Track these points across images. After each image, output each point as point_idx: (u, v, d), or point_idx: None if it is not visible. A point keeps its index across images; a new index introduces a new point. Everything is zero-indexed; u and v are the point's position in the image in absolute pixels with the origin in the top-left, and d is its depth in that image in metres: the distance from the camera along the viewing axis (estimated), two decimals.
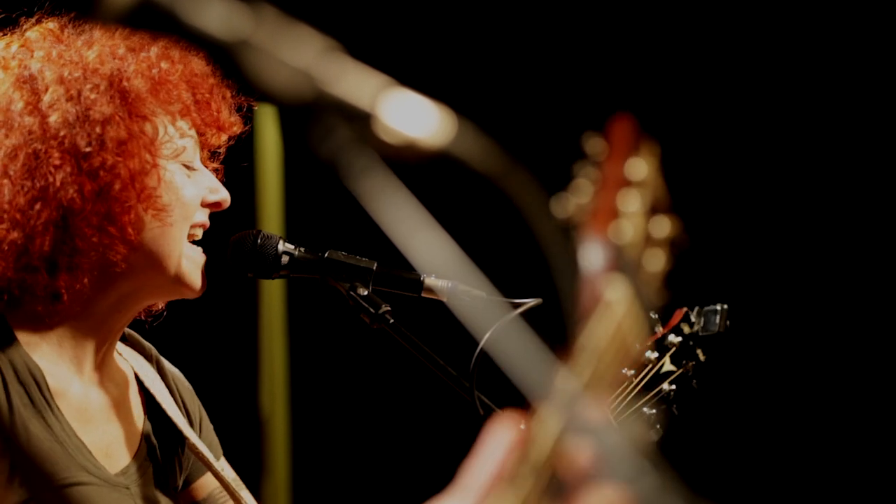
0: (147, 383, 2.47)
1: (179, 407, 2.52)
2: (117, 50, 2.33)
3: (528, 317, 2.33)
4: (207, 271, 2.41)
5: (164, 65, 2.34)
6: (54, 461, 2.23)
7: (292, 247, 2.49)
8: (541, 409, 1.33)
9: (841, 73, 4.55)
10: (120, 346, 2.49)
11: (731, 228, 4.61)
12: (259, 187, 4.47)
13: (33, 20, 2.39)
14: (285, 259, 2.48)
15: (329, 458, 4.75)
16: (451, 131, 1.35)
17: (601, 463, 1.31)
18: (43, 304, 2.30)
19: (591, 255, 1.39)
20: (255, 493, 2.55)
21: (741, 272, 4.60)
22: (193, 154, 2.40)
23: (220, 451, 2.59)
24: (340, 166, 1.32)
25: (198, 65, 2.39)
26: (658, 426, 2.61)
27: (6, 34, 2.39)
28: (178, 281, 2.36)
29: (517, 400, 1.37)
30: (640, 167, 1.45)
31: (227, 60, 1.30)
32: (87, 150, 2.26)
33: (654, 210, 1.45)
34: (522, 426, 1.35)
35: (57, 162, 2.25)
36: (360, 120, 1.33)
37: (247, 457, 4.41)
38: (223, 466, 2.54)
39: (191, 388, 2.60)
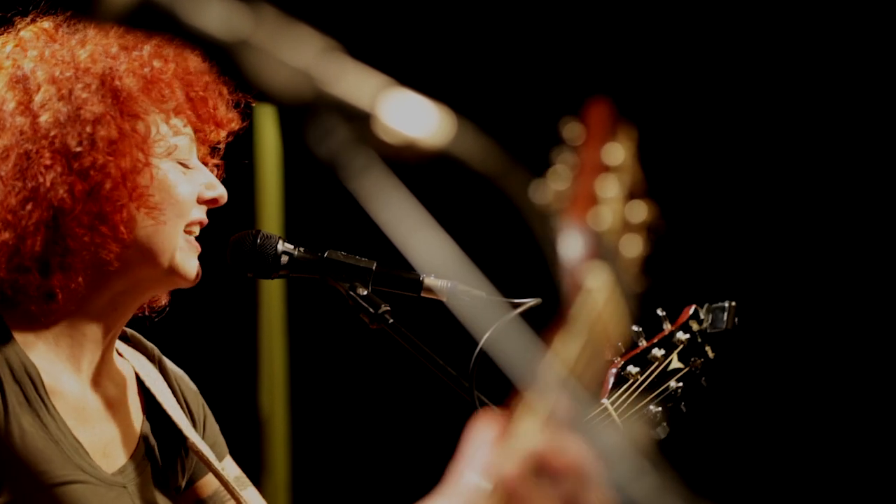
0: (148, 383, 2.47)
1: (182, 407, 2.52)
2: (110, 49, 2.32)
3: (528, 317, 2.33)
4: (205, 267, 2.41)
5: (156, 63, 2.33)
6: (49, 459, 2.23)
7: (292, 247, 2.49)
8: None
9: (822, 55, 4.54)
10: (122, 346, 2.49)
11: (715, 216, 4.61)
12: (259, 187, 4.47)
13: (28, 19, 2.39)
14: (285, 259, 2.48)
15: (329, 458, 4.75)
16: (450, 131, 1.35)
17: (600, 462, 1.31)
18: (37, 304, 2.30)
19: (571, 243, 1.38)
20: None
21: (744, 267, 4.60)
22: (189, 151, 2.40)
23: (225, 450, 2.59)
24: (340, 166, 1.32)
25: (193, 62, 2.39)
26: (664, 424, 2.61)
27: (1, 34, 2.39)
28: (172, 272, 2.35)
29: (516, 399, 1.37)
30: (618, 152, 1.44)
31: (226, 60, 1.30)
32: (78, 149, 2.25)
33: (631, 195, 1.45)
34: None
35: (48, 162, 2.25)
36: (359, 120, 1.33)
37: (247, 457, 4.41)
38: (225, 466, 2.54)
39: (195, 388, 2.60)
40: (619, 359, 2.62)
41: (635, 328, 2.66)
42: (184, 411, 2.52)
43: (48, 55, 2.32)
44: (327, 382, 4.72)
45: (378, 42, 3.68)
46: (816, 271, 4.63)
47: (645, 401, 2.60)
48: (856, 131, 4.58)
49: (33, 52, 2.32)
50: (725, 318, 2.67)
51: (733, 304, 2.68)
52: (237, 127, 2.50)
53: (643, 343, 2.65)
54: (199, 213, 2.40)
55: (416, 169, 1.33)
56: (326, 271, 2.48)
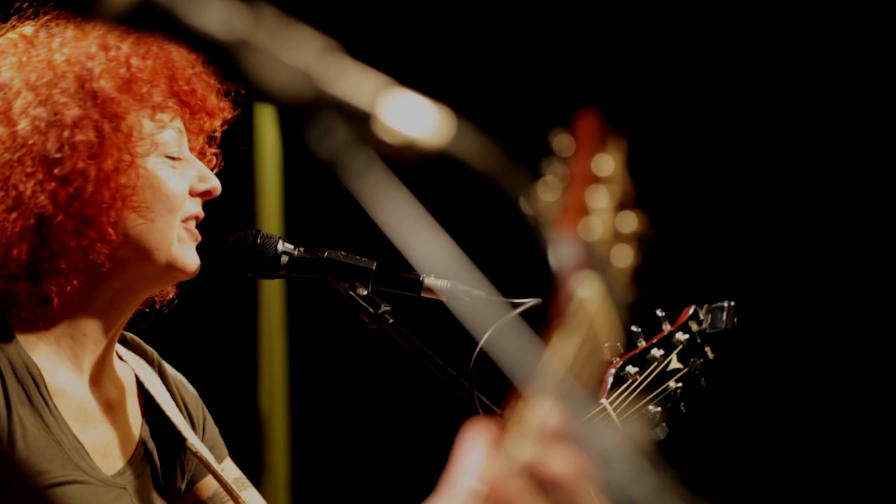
0: (147, 385, 2.47)
1: (181, 410, 2.52)
2: (88, 50, 2.31)
3: (528, 317, 2.33)
4: (205, 267, 2.41)
5: (134, 61, 2.32)
6: (50, 459, 2.23)
7: (292, 247, 2.49)
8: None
9: (811, 65, 4.55)
10: (122, 349, 2.49)
11: (713, 217, 4.61)
12: (259, 187, 4.47)
13: (9, 24, 2.38)
14: (285, 259, 2.48)
15: (329, 458, 4.75)
16: (450, 131, 1.35)
17: (598, 464, 1.31)
18: (29, 310, 2.29)
19: (562, 253, 1.39)
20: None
21: (743, 267, 4.60)
22: (178, 145, 2.39)
23: (224, 452, 2.59)
24: (340, 166, 1.32)
25: (177, 55, 2.38)
26: (664, 425, 2.61)
27: None
28: (171, 267, 2.35)
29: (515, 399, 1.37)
30: (608, 163, 1.44)
31: (226, 60, 1.30)
32: (58, 155, 2.25)
33: (621, 206, 1.45)
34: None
35: (29, 170, 2.24)
36: (359, 120, 1.33)
37: (247, 457, 4.42)
38: (225, 467, 2.54)
39: (194, 392, 2.60)
40: (617, 359, 2.62)
41: (634, 328, 2.66)
42: (183, 414, 2.52)
43: (25, 61, 2.31)
44: (327, 382, 4.72)
45: (378, 42, 3.68)
46: (814, 271, 4.63)
47: (644, 401, 2.60)
48: (849, 134, 4.58)
49: (11, 59, 2.32)
50: (725, 317, 2.67)
51: (732, 304, 2.68)
52: (230, 115, 2.49)
53: (642, 343, 2.65)
54: (194, 207, 2.39)
55: (416, 169, 1.33)
56: (326, 271, 2.48)
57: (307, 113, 1.32)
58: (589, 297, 1.38)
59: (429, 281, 2.47)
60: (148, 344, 2.58)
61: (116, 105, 2.29)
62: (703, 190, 4.60)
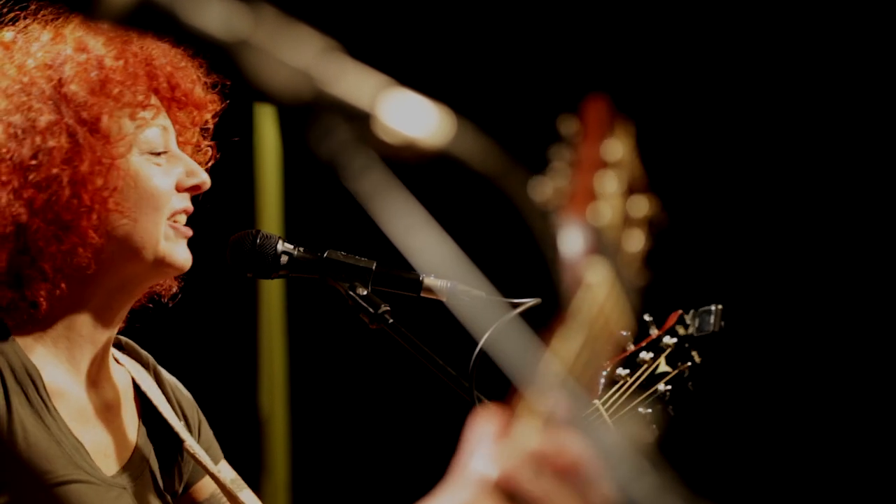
0: (144, 388, 2.47)
1: (177, 413, 2.52)
2: (63, 53, 2.30)
3: (528, 317, 2.33)
4: (205, 267, 2.40)
5: (108, 62, 2.30)
6: (51, 459, 2.23)
7: (291, 247, 2.49)
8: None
9: (822, 49, 4.54)
10: (117, 353, 2.49)
11: (712, 214, 4.61)
12: (258, 187, 4.47)
13: None
14: (284, 259, 2.48)
15: (329, 458, 4.75)
16: (450, 131, 1.35)
17: (599, 462, 1.31)
18: (17, 315, 2.29)
19: (571, 239, 1.38)
20: (255, 492, 2.55)
21: (733, 268, 4.60)
22: (164, 141, 2.37)
23: (220, 454, 2.59)
24: (340, 166, 1.32)
25: (158, 51, 2.37)
26: (654, 426, 2.62)
27: None
28: (160, 263, 2.34)
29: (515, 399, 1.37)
30: (616, 148, 1.44)
31: (226, 60, 1.30)
32: (33, 162, 2.24)
33: (631, 190, 1.45)
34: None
35: (4, 178, 2.24)
36: (359, 120, 1.33)
37: (247, 457, 4.42)
38: (222, 469, 2.54)
39: (190, 396, 2.60)
40: (607, 361, 2.64)
41: (623, 332, 2.68)
42: (179, 417, 2.52)
43: (1, 69, 2.30)
44: (327, 382, 4.72)
45: (378, 42, 3.68)
46: (806, 272, 4.63)
47: (634, 402, 2.62)
48: (847, 135, 4.57)
49: None
50: (712, 320, 2.70)
51: (720, 307, 2.71)
52: (218, 106, 2.49)
53: (631, 347, 2.68)
54: (182, 202, 2.38)
55: (416, 169, 1.33)
56: (326, 271, 2.48)
57: (307, 113, 1.32)
58: (598, 282, 1.38)
59: (429, 281, 2.47)
60: (149, 344, 2.58)
61: (90, 108, 2.28)
62: (701, 187, 4.60)
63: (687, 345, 2.69)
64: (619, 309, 1.40)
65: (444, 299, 2.46)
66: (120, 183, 2.29)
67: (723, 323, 2.70)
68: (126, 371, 2.48)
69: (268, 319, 4.53)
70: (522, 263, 2.51)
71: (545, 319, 1.42)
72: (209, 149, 2.50)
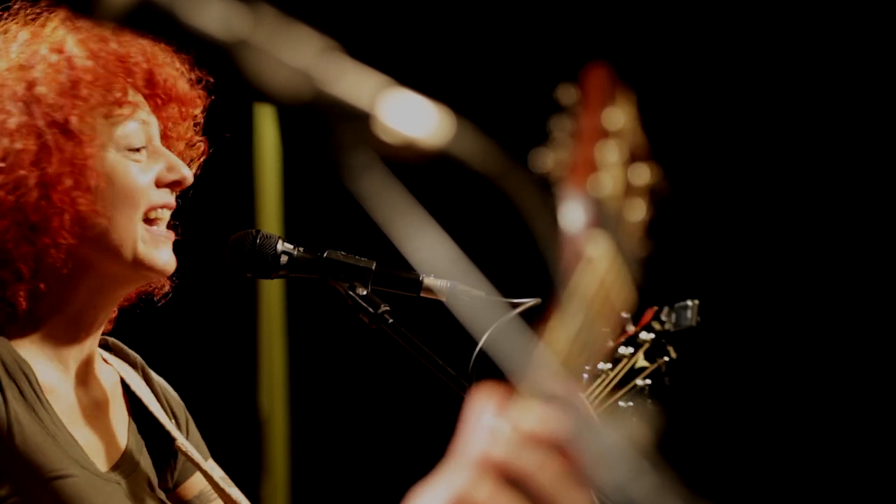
0: (133, 387, 2.47)
1: (166, 411, 2.52)
2: (39, 53, 2.30)
3: (528, 317, 2.33)
4: (205, 267, 2.40)
5: (78, 62, 2.29)
6: (47, 453, 2.23)
7: (291, 246, 2.49)
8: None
9: (825, 31, 4.54)
10: (104, 353, 2.49)
11: (703, 217, 4.61)
12: (258, 187, 4.47)
13: None
14: (284, 259, 2.48)
15: (328, 458, 4.75)
16: (450, 131, 1.35)
17: (596, 460, 1.30)
18: (0, 316, 2.30)
19: (572, 212, 1.37)
20: (254, 492, 2.55)
21: (710, 262, 4.60)
22: (142, 136, 2.36)
23: (207, 453, 2.59)
24: (340, 166, 1.32)
25: (136, 48, 2.36)
26: (646, 424, 2.65)
27: None
28: (139, 265, 2.33)
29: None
30: (618, 117, 1.43)
31: (226, 60, 1.30)
32: (1, 164, 2.24)
33: (633, 159, 1.43)
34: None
35: None
36: (359, 120, 1.33)
37: (246, 457, 4.42)
38: (211, 466, 2.55)
39: (177, 396, 2.60)
40: (609, 340, 2.68)
41: (623, 313, 2.71)
42: (168, 416, 2.52)
43: None
44: (327, 382, 4.72)
45: (378, 42, 3.68)
46: (782, 263, 4.63)
47: (616, 396, 2.66)
48: (842, 132, 4.57)
49: None
50: (689, 315, 2.73)
51: (696, 302, 2.74)
52: (203, 101, 2.48)
53: (631, 328, 2.72)
54: (162, 197, 2.36)
55: (416, 169, 1.33)
56: (326, 271, 2.48)
57: (307, 113, 1.32)
58: (599, 255, 1.37)
59: (428, 281, 2.47)
60: (149, 344, 2.58)
61: (59, 109, 2.27)
62: (696, 184, 4.59)
63: (663, 340, 2.73)
64: (621, 283, 1.39)
65: (443, 299, 2.46)
66: (93, 182, 2.28)
67: (699, 318, 2.73)
68: (114, 370, 2.48)
69: (268, 319, 4.53)
70: (522, 263, 2.51)
71: (545, 319, 1.41)
72: (201, 144, 2.50)
